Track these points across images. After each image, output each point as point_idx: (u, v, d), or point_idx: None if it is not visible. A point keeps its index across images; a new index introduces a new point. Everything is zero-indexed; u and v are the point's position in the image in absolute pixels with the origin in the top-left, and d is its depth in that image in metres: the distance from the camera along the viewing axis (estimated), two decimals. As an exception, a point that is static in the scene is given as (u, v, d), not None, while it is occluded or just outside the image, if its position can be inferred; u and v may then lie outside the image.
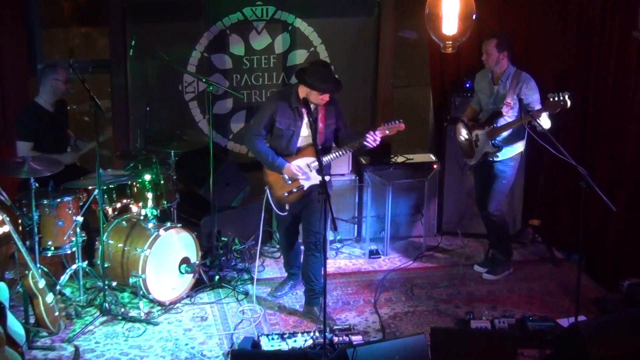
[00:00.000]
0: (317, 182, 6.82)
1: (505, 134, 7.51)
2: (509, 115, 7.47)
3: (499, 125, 7.50)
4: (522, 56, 8.18)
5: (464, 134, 7.73)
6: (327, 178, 6.61)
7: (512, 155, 7.66)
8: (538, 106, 7.35)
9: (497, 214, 7.83)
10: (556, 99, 6.95)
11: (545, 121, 7.10)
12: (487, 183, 7.76)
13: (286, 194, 7.02)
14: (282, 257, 7.88)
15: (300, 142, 6.95)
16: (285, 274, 7.74)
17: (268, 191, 7.11)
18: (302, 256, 7.35)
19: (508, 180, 7.76)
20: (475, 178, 8.06)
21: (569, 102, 6.95)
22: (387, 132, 6.87)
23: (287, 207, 7.07)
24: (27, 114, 7.50)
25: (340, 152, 6.99)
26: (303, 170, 6.91)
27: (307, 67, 6.91)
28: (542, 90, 7.48)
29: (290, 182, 6.97)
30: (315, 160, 6.78)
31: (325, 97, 6.78)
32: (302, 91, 6.82)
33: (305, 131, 6.91)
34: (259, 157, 7.03)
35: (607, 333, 6.14)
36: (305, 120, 6.82)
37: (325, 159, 6.90)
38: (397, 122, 6.87)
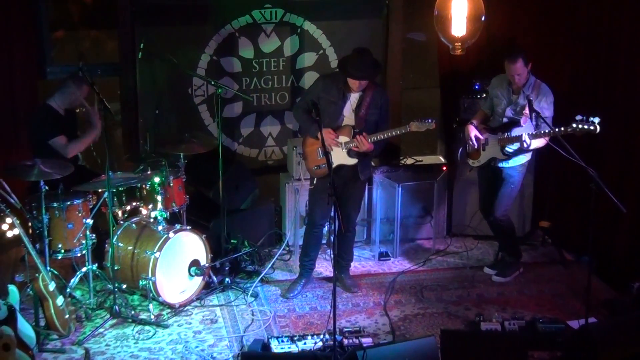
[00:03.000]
0: (347, 163, 7.26)
1: (518, 143, 7.47)
2: (526, 125, 7.43)
3: (513, 134, 7.45)
4: (531, 58, 8.15)
5: (474, 135, 7.67)
6: (353, 160, 7.24)
7: (522, 162, 7.64)
8: (549, 122, 7.29)
9: (504, 219, 7.82)
10: (585, 127, 6.86)
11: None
12: (493, 188, 7.73)
13: (315, 167, 7.35)
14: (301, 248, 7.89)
15: (342, 122, 7.24)
16: (294, 276, 7.79)
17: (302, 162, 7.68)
18: (319, 246, 7.76)
19: (516, 186, 7.74)
20: (480, 182, 8.04)
21: (598, 128, 6.87)
22: (417, 129, 7.11)
23: (314, 181, 7.41)
24: (42, 115, 7.59)
25: (382, 135, 7.17)
26: (337, 142, 7.20)
27: (350, 54, 7.21)
28: (553, 93, 7.46)
29: (321, 156, 7.22)
30: (349, 140, 7.18)
31: (359, 83, 7.09)
32: (348, 80, 7.15)
33: (348, 112, 7.21)
34: (299, 122, 7.67)
35: (618, 335, 6.13)
36: (349, 102, 7.18)
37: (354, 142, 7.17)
38: (429, 120, 7.07)
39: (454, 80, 8.95)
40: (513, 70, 7.40)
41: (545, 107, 7.36)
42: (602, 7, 7.84)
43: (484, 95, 8.18)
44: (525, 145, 7.26)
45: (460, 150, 8.15)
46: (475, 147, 7.68)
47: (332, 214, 7.14)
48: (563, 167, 7.88)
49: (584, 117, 6.89)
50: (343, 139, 7.20)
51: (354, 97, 7.19)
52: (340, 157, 7.24)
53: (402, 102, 9.20)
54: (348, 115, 7.22)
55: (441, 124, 9.21)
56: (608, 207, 6.51)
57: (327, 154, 6.42)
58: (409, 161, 8.81)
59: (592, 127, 6.87)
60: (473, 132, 7.69)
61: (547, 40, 8.50)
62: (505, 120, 7.60)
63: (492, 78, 7.81)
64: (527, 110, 7.37)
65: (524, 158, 7.63)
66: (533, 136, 7.27)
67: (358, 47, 7.16)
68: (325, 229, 7.89)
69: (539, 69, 7.77)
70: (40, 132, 7.53)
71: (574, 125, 6.91)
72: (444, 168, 8.61)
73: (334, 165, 7.19)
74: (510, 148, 7.51)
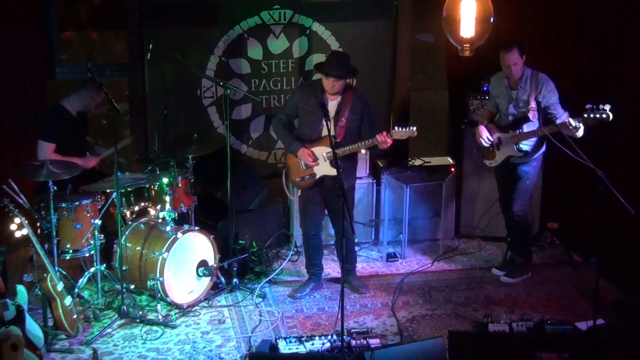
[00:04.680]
0: (329, 174, 7.16)
1: (532, 139, 7.45)
2: (535, 119, 7.40)
3: (525, 131, 7.41)
4: (539, 58, 8.14)
5: (485, 136, 7.64)
6: (335, 171, 6.86)
7: (535, 155, 7.62)
8: (559, 107, 7.29)
9: (521, 215, 7.77)
10: (597, 115, 6.80)
11: (580, 131, 7.01)
12: (510, 184, 7.72)
13: (299, 179, 7.32)
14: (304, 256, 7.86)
15: (322, 131, 7.17)
16: (303, 277, 7.80)
17: (284, 174, 7.59)
18: (322, 252, 7.68)
19: (532, 181, 7.72)
20: (498, 180, 8.03)
21: (610, 115, 6.79)
22: (399, 137, 7.05)
23: (299, 192, 7.45)
24: (52, 115, 7.60)
25: (351, 147, 7.12)
26: (315, 157, 7.17)
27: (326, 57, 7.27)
28: (559, 92, 7.44)
29: (304, 168, 7.24)
30: (330, 151, 6.99)
31: (333, 84, 7.04)
32: (323, 81, 7.12)
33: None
34: (279, 138, 7.63)
35: (626, 336, 6.12)
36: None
37: (338, 151, 7.00)
38: (410, 128, 7.02)
39: (462, 81, 8.94)
40: (508, 60, 7.37)
41: (548, 95, 7.35)
42: (611, 6, 7.82)
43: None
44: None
45: (475, 152, 8.14)
46: (487, 146, 7.67)
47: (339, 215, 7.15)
48: (571, 168, 7.86)
49: (594, 106, 6.82)
50: (324, 149, 7.16)
51: (332, 105, 7.15)
52: (322, 168, 7.21)
53: (410, 103, 9.20)
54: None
55: (449, 124, 9.22)
56: (616, 208, 6.49)
57: (334, 152, 6.41)
58: (417, 162, 8.80)
59: (604, 116, 6.80)
60: (484, 132, 7.66)
61: (555, 41, 8.47)
62: (510, 117, 7.59)
63: (491, 77, 7.82)
64: (532, 104, 7.35)
65: (538, 151, 7.59)
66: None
67: (335, 50, 7.19)
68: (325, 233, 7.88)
69: (546, 69, 7.75)
70: (40, 128, 7.55)
71: (585, 115, 6.86)
72: (452, 169, 8.61)
73: (317, 177, 7.22)
74: (525, 144, 7.49)
